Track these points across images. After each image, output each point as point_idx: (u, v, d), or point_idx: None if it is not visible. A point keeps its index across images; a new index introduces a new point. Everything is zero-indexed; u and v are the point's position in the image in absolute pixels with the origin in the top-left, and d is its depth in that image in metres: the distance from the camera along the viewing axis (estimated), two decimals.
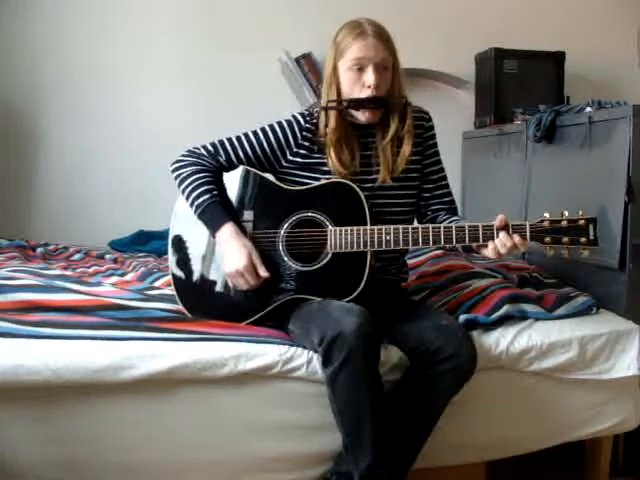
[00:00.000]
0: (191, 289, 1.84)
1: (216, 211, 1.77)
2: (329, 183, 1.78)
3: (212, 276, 1.83)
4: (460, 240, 1.68)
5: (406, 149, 1.80)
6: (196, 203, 1.77)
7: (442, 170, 1.92)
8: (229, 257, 1.73)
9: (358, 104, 1.76)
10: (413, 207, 1.89)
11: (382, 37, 1.74)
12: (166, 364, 1.60)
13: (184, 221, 1.85)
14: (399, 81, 1.79)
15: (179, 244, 1.87)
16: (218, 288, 1.82)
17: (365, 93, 1.74)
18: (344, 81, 1.76)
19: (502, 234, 1.65)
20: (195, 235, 1.84)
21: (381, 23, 1.78)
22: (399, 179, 1.82)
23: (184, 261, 1.85)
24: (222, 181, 1.84)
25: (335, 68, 1.77)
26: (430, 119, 1.90)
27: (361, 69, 1.73)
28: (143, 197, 3.03)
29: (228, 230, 1.74)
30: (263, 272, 1.73)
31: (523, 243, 1.65)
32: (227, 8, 3.09)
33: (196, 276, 1.84)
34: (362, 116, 1.78)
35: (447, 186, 1.92)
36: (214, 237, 1.77)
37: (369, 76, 1.72)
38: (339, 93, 1.77)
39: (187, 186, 1.79)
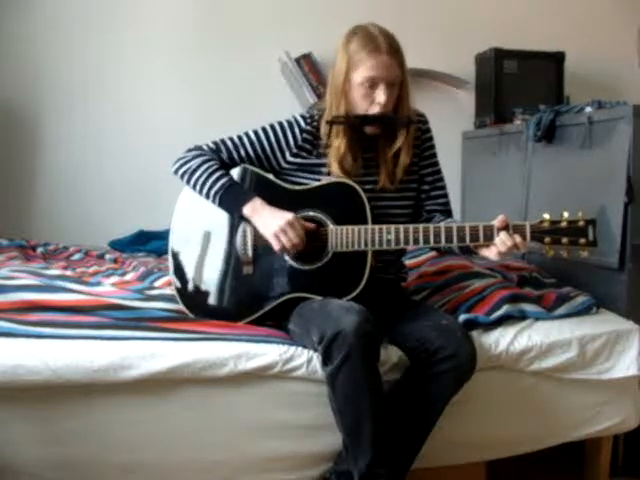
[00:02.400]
0: (192, 289, 1.84)
1: (239, 190, 1.78)
2: (330, 183, 1.78)
3: (213, 274, 1.83)
4: (461, 240, 1.68)
5: (405, 159, 1.80)
6: (215, 188, 1.76)
7: (439, 172, 1.92)
8: (268, 219, 1.72)
9: (365, 121, 1.75)
10: (411, 215, 1.88)
11: (395, 53, 1.72)
12: (166, 364, 1.60)
13: (182, 236, 1.87)
14: (407, 94, 1.78)
15: (177, 255, 1.87)
16: (219, 287, 1.82)
17: (374, 109, 1.74)
18: (354, 94, 1.75)
19: (502, 234, 1.65)
20: (194, 237, 1.85)
21: (387, 28, 1.75)
22: (398, 186, 1.83)
23: (183, 264, 1.85)
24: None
25: (347, 79, 1.74)
26: (427, 121, 1.90)
27: (372, 86, 1.72)
28: (143, 197, 3.03)
29: (259, 201, 1.74)
30: (307, 224, 1.73)
31: (523, 243, 1.65)
32: (227, 8, 3.10)
33: (196, 278, 1.84)
34: (366, 129, 1.77)
35: (443, 188, 1.92)
36: (241, 213, 1.75)
37: (380, 94, 1.71)
38: (348, 102, 1.76)
39: (200, 176, 1.78)
